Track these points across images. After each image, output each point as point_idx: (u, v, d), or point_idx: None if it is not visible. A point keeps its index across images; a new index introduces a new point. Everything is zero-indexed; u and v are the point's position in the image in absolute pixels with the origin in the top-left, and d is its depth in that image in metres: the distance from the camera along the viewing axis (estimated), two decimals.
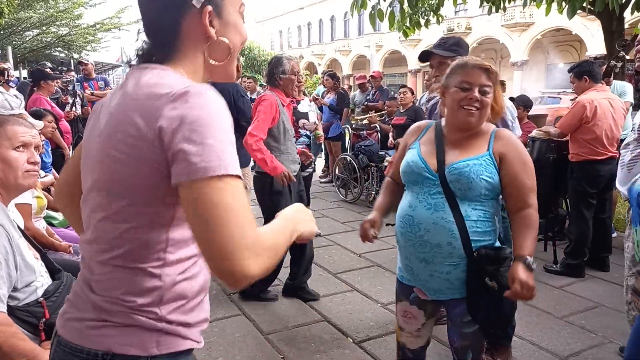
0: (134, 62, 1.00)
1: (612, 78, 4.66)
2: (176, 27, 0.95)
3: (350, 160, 6.61)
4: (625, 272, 2.38)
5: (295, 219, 1.02)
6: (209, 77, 1.03)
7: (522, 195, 1.75)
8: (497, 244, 1.79)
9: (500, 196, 1.81)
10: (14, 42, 18.03)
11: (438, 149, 1.80)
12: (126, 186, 0.89)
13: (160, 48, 0.97)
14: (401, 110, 6.19)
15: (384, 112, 7.12)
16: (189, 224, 0.85)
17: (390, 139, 6.25)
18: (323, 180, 8.06)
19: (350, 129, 7.74)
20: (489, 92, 1.73)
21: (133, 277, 0.92)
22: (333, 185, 7.40)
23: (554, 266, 4.06)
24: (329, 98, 7.62)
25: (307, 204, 4.83)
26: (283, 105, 3.38)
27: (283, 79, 3.39)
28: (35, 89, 5.65)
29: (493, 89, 1.75)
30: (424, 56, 2.59)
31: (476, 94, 1.71)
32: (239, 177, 0.84)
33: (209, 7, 0.94)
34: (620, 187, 2.46)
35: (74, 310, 0.98)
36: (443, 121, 1.90)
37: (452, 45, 2.52)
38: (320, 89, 8.67)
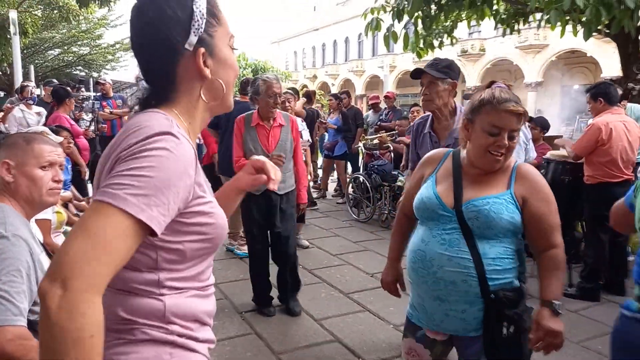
0: (136, 109, 1.03)
1: (628, 100, 4.64)
2: (171, 73, 0.98)
3: (363, 180, 6.63)
4: None
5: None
6: (208, 112, 1.06)
7: (547, 236, 1.69)
8: (516, 282, 1.69)
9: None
10: (36, 61, 18.53)
11: (455, 184, 1.73)
12: None
13: (157, 93, 1.00)
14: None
15: (394, 131, 7.16)
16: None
17: (403, 161, 6.27)
18: (339, 201, 8.01)
19: (363, 148, 7.78)
20: (516, 136, 1.66)
21: (137, 300, 0.95)
22: (344, 203, 7.42)
23: (570, 289, 4.00)
24: (333, 118, 7.69)
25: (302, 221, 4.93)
26: (251, 125, 3.44)
27: (258, 100, 3.44)
28: (55, 107, 5.80)
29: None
30: (416, 74, 2.67)
31: (505, 141, 1.63)
32: (130, 216, 0.82)
33: (202, 49, 0.98)
34: None
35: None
36: (462, 152, 1.81)
37: (445, 67, 2.60)
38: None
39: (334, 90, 33.23)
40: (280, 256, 3.63)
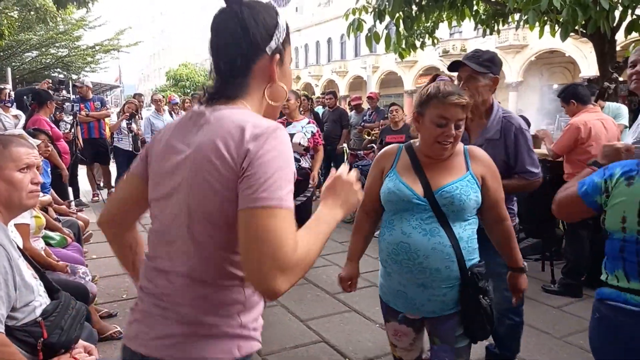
0: (204, 100, 1.13)
1: (604, 99, 4.74)
2: (248, 70, 1.11)
3: None
4: None
5: (332, 206, 1.13)
6: (266, 114, 1.16)
7: (500, 209, 1.88)
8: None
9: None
10: (13, 64, 18.17)
11: (419, 174, 1.82)
12: (218, 211, 1.01)
13: (231, 87, 1.11)
14: (393, 128, 6.11)
15: (374, 132, 7.21)
16: (240, 245, 0.96)
17: None
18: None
19: (347, 149, 7.80)
20: (462, 125, 1.77)
21: (222, 293, 1.05)
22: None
23: (552, 286, 4.06)
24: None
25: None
26: None
27: None
28: (35, 110, 5.70)
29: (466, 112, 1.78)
30: (454, 66, 2.42)
31: (452, 131, 1.74)
32: (290, 209, 0.96)
33: (277, 55, 1.13)
34: None
35: (153, 329, 1.06)
36: (415, 143, 1.91)
37: (486, 60, 2.36)
38: (319, 109, 8.77)
39: (318, 91, 33.26)
40: None
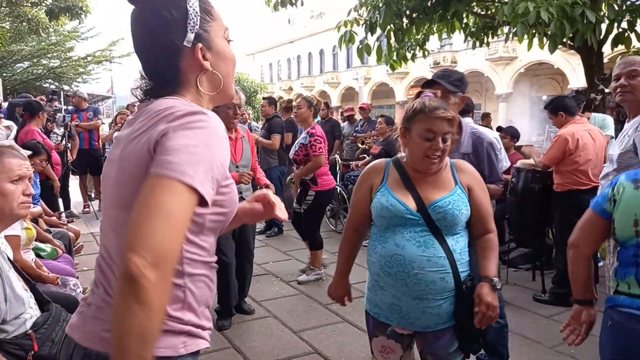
0: (141, 98, 1.10)
1: (591, 110, 4.81)
2: (175, 68, 1.06)
3: (340, 191, 6.66)
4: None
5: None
6: (211, 103, 1.14)
7: (486, 222, 1.86)
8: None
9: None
10: (4, 74, 18.09)
11: (410, 189, 1.83)
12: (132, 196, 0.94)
13: (164, 86, 1.06)
14: (380, 140, 6.28)
15: (368, 142, 7.26)
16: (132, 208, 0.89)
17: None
18: None
19: (339, 159, 7.82)
20: (449, 139, 1.79)
21: None
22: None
23: (543, 295, 4.08)
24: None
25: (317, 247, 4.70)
26: None
27: (217, 112, 3.39)
28: (27, 121, 5.68)
29: (453, 131, 1.82)
30: (429, 84, 2.58)
31: (440, 144, 1.76)
32: (195, 191, 0.89)
33: (199, 44, 1.06)
34: None
35: (102, 323, 1.00)
36: (402, 157, 1.92)
37: (456, 80, 2.55)
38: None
39: None
40: (243, 250, 3.74)
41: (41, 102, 6.25)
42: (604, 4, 5.20)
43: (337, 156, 7.86)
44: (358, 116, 8.69)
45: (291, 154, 4.56)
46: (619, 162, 2.36)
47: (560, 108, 4.09)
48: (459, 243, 1.80)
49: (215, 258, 1.11)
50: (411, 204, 1.79)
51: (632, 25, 5.34)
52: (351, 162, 7.31)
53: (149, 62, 1.07)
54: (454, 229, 1.78)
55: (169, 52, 1.04)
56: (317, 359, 3.09)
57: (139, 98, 1.10)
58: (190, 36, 1.04)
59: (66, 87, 19.40)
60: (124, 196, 0.97)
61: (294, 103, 5.55)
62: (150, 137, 0.95)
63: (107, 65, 21.26)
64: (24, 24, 14.40)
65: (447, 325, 1.79)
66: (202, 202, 0.92)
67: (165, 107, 0.98)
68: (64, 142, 6.67)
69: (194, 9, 1.05)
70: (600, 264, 4.55)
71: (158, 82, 1.07)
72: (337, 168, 8.09)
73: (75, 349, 1.02)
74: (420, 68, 25.70)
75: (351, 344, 3.28)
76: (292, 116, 5.98)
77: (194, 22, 1.05)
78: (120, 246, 0.91)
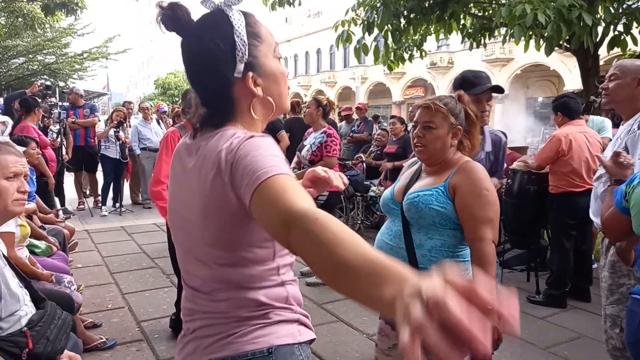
0: (192, 132, 1.13)
1: (590, 112, 4.83)
2: (228, 98, 1.07)
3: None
4: (603, 301, 2.43)
5: (405, 284, 0.58)
6: (265, 122, 1.15)
7: (472, 227, 1.73)
8: None
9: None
10: None
11: (409, 180, 1.91)
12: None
13: (219, 114, 1.09)
14: (393, 139, 6.42)
15: (368, 144, 7.27)
16: (261, 224, 0.91)
17: (382, 176, 6.60)
18: None
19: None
20: (433, 128, 1.80)
21: (267, 291, 1.06)
22: None
23: (537, 297, 4.10)
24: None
25: None
26: None
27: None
28: (22, 117, 5.65)
29: (446, 124, 1.80)
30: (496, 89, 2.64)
31: (417, 131, 1.81)
32: (287, 174, 0.92)
33: (250, 73, 1.06)
34: (594, 218, 2.53)
35: (211, 336, 1.06)
36: None
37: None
38: None
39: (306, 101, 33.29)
40: None
41: (37, 98, 6.20)
42: (600, 7, 5.23)
43: None
44: (355, 116, 8.70)
45: (307, 154, 4.46)
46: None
47: (560, 108, 4.11)
48: (432, 240, 1.77)
49: (293, 259, 1.15)
50: (399, 195, 1.88)
51: (628, 28, 5.37)
52: (348, 162, 7.31)
53: (203, 92, 1.10)
54: (422, 222, 1.78)
55: (221, 83, 1.05)
56: (312, 358, 3.09)
57: (195, 126, 1.12)
58: (240, 67, 1.04)
59: (62, 84, 19.30)
60: (222, 238, 1.03)
61: (303, 104, 5.56)
62: (222, 177, 0.97)
63: (103, 62, 21.18)
64: (19, 19, 14.31)
65: None
66: None
67: (224, 139, 1.01)
68: (59, 138, 6.63)
69: (241, 39, 1.04)
70: (594, 265, 4.58)
71: (213, 111, 1.09)
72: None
73: None
74: (418, 68, 25.77)
75: (346, 344, 3.29)
76: (301, 116, 5.94)
77: (242, 53, 1.04)
78: (215, 280, 1.05)
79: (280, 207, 0.84)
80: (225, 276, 1.05)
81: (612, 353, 2.37)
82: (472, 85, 2.55)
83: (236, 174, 0.94)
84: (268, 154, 0.94)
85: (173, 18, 1.04)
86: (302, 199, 0.84)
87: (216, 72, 1.04)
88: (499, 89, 2.66)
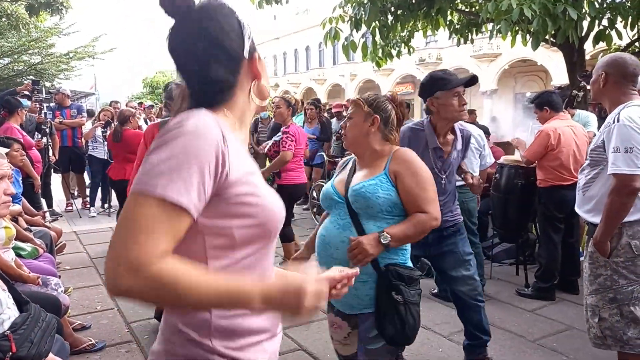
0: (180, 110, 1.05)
1: (573, 107, 4.87)
2: (234, 79, 1.04)
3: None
4: (585, 291, 2.48)
5: (252, 293, 0.89)
6: (253, 111, 1.12)
7: (418, 206, 1.86)
8: (409, 263, 1.94)
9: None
10: None
11: (349, 174, 2.02)
12: None
13: (213, 96, 1.03)
14: None
15: None
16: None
17: None
18: (304, 207, 8.02)
19: (326, 156, 7.82)
20: (351, 118, 2.00)
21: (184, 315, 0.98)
22: (307, 209, 7.43)
23: (526, 290, 4.13)
24: (312, 127, 7.72)
25: (289, 239, 4.72)
26: None
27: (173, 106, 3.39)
28: (5, 118, 5.58)
29: (362, 113, 1.95)
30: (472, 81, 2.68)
31: (342, 123, 1.96)
32: (169, 203, 0.84)
33: (256, 53, 1.08)
34: (578, 209, 2.56)
35: (169, 344, 1.00)
36: None
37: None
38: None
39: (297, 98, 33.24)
40: None
41: (19, 99, 6.11)
42: (585, 1, 5.27)
43: (323, 153, 7.86)
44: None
45: (265, 150, 4.79)
46: (590, 157, 2.44)
47: (545, 103, 4.15)
48: (381, 228, 1.86)
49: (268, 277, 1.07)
50: (342, 188, 1.96)
51: (612, 23, 5.41)
52: (338, 159, 7.30)
53: (205, 75, 1.01)
54: (370, 212, 1.86)
55: (232, 63, 1.03)
56: (303, 356, 3.09)
57: (176, 109, 1.07)
58: (247, 47, 1.05)
59: (48, 84, 19.06)
60: None
61: (272, 102, 5.67)
62: None
63: (90, 61, 20.95)
64: (3, 19, 14.12)
65: (369, 310, 1.89)
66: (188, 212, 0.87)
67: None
68: (44, 139, 6.55)
69: (244, 21, 1.06)
70: (582, 258, 4.62)
71: (206, 92, 1.03)
72: (324, 165, 8.09)
73: None
74: (406, 64, 25.80)
75: None
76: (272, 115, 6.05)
77: (248, 32, 1.05)
78: None
79: (126, 243, 0.82)
80: None
81: (594, 342, 2.42)
82: (445, 80, 2.60)
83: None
84: (175, 165, 0.86)
85: None
86: (156, 250, 0.82)
87: (229, 51, 1.02)
88: (472, 81, 2.67)
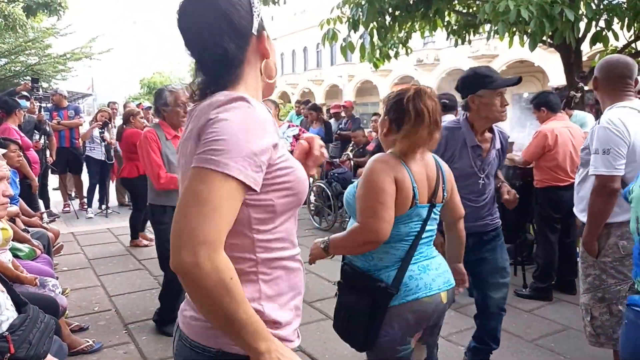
0: (196, 97, 1.08)
1: (570, 107, 4.89)
2: (243, 58, 1.06)
3: (324, 188, 6.67)
4: (580, 291, 2.51)
5: (267, 339, 0.98)
6: (261, 92, 1.14)
7: (357, 215, 1.80)
8: (358, 263, 1.88)
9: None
10: None
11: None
12: None
13: (225, 79, 1.04)
14: (375, 137, 6.47)
15: (352, 143, 7.29)
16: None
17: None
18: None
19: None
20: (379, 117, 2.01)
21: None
22: (305, 211, 7.44)
23: (524, 290, 4.14)
24: (316, 128, 7.74)
25: None
26: (167, 139, 3.35)
27: (167, 112, 3.38)
28: (3, 119, 5.57)
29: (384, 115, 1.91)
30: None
31: None
32: (237, 181, 0.91)
33: (264, 32, 1.09)
34: (574, 209, 2.60)
35: (190, 309, 1.07)
36: None
37: None
38: (292, 114, 8.79)
39: (294, 99, 33.28)
40: None
41: (17, 99, 6.10)
42: (582, 2, 5.28)
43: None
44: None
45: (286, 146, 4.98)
46: (581, 157, 2.50)
47: (543, 104, 4.17)
48: None
49: (297, 251, 1.13)
50: None
51: (609, 24, 5.42)
52: (335, 160, 7.31)
53: (217, 56, 1.03)
54: (352, 214, 1.91)
55: (240, 40, 1.03)
56: (301, 356, 3.08)
57: (195, 92, 1.08)
58: (256, 24, 1.05)
59: (45, 85, 19.02)
60: None
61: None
62: (195, 134, 0.97)
63: (88, 62, 20.91)
64: (0, 20, 14.06)
65: None
66: (249, 188, 0.94)
67: (210, 102, 0.99)
68: (42, 140, 6.54)
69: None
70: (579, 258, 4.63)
71: (220, 75, 1.04)
72: (322, 165, 8.11)
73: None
74: (404, 65, 25.83)
75: (335, 341, 3.28)
76: None
77: (258, 10, 1.06)
78: None
79: (191, 222, 0.88)
80: None
81: (589, 340, 2.47)
82: (491, 78, 2.47)
83: (202, 137, 0.95)
84: (237, 143, 0.91)
85: None
86: (219, 228, 0.89)
87: (238, 28, 1.03)
88: (518, 82, 2.56)
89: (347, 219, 6.24)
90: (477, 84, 2.48)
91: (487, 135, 2.56)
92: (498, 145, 2.60)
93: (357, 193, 1.79)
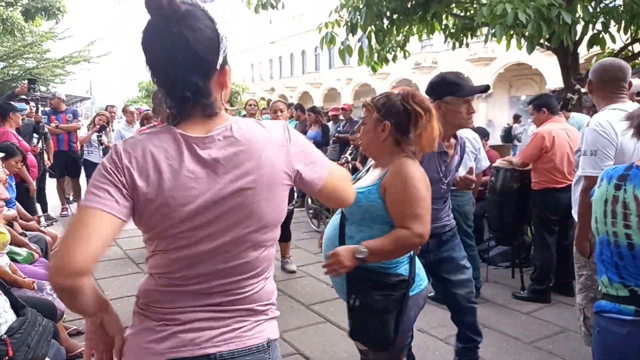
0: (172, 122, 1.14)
1: (567, 109, 4.91)
2: (208, 87, 1.11)
3: None
4: (576, 290, 2.52)
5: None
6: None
7: (402, 221, 1.83)
8: (375, 267, 1.87)
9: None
10: None
11: (356, 176, 2.08)
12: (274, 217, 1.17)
13: (207, 106, 1.11)
14: None
15: (351, 145, 7.29)
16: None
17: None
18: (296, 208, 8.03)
19: None
20: (364, 123, 1.98)
21: (268, 284, 1.23)
22: (303, 214, 7.42)
23: (522, 292, 4.14)
24: (313, 131, 7.74)
25: (288, 239, 4.84)
26: None
27: (162, 112, 3.42)
28: (1, 122, 5.57)
29: (373, 119, 1.92)
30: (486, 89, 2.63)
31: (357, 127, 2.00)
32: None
33: (227, 66, 1.14)
34: (573, 210, 2.62)
35: (215, 329, 1.14)
36: None
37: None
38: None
39: (292, 102, 33.28)
40: None
41: (11, 103, 6.10)
42: (579, 5, 5.31)
43: None
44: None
45: None
46: (575, 159, 2.55)
47: (544, 105, 4.19)
48: (361, 233, 1.91)
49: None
50: None
51: (606, 27, 5.45)
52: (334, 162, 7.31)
53: (186, 84, 1.07)
54: (354, 217, 1.92)
55: (206, 73, 1.09)
56: (300, 359, 3.09)
57: (166, 116, 1.17)
58: (221, 59, 1.10)
59: (43, 89, 19.02)
60: (279, 212, 1.18)
61: (248, 104, 6.32)
62: (287, 149, 1.15)
63: (86, 65, 20.92)
64: None
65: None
66: None
67: (262, 131, 1.14)
68: (39, 144, 6.54)
69: (222, 33, 1.10)
70: None
71: (197, 103, 1.10)
72: None
73: None
74: (402, 68, 25.88)
75: (333, 344, 3.29)
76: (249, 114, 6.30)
77: (225, 46, 1.11)
78: (251, 268, 1.17)
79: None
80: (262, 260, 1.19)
81: (584, 339, 2.50)
82: (458, 86, 2.50)
83: (296, 149, 1.15)
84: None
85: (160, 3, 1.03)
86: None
87: (205, 62, 1.07)
88: (485, 91, 2.62)
89: None
90: (444, 90, 2.51)
91: (452, 141, 2.60)
92: (459, 151, 2.65)
93: (398, 197, 1.82)
